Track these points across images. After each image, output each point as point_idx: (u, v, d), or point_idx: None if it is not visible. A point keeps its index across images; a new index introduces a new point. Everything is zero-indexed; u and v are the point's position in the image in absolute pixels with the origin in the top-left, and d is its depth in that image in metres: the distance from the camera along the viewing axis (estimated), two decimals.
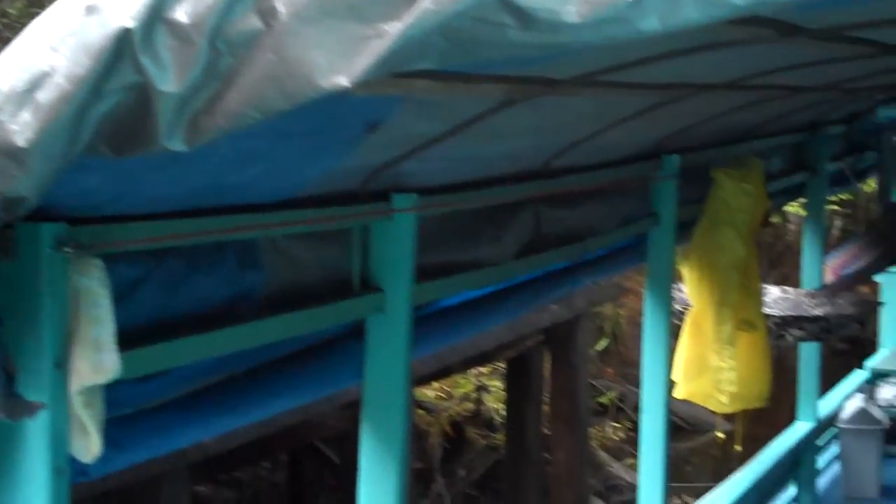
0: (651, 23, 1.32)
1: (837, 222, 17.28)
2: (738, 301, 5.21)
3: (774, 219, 16.05)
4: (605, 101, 3.45)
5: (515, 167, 3.77)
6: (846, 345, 16.18)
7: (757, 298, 5.40)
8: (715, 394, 5.30)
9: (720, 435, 14.69)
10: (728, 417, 12.20)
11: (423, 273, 3.32)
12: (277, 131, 2.15)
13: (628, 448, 13.06)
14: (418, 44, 1.47)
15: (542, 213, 4.08)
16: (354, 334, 3.25)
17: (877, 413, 8.07)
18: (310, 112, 1.62)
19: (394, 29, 1.49)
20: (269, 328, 2.78)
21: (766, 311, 6.18)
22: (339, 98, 1.56)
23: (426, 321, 3.63)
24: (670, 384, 5.27)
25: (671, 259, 5.08)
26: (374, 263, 3.15)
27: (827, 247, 16.16)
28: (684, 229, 5.27)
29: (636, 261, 5.15)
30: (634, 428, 5.89)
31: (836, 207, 16.94)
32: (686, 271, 5.36)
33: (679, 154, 4.99)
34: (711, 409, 5.47)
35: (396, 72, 1.52)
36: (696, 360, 5.28)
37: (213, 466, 9.22)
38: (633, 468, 5.31)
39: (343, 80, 1.52)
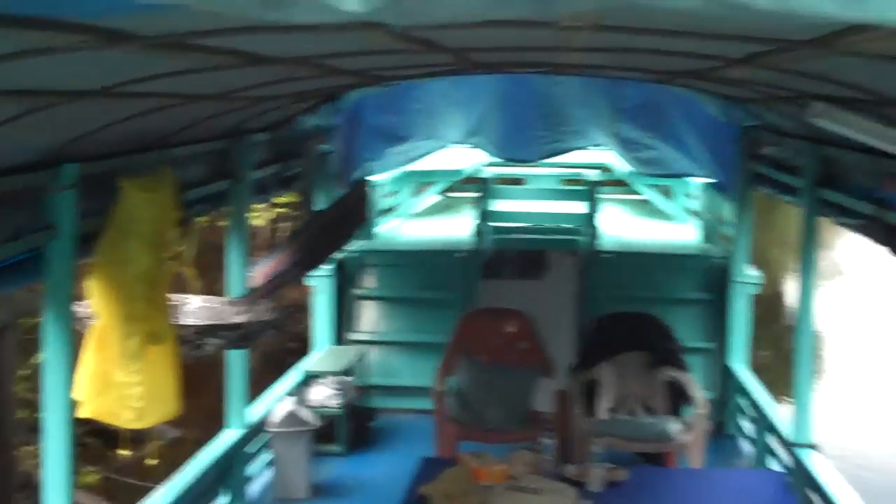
0: None
1: (282, 225, 17.72)
2: (144, 314, 5.01)
3: (217, 223, 16.10)
4: None
5: None
6: (297, 344, 16.63)
7: (165, 310, 5.24)
8: (121, 410, 5.06)
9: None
10: (177, 424, 12.05)
11: None
12: None
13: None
14: None
15: None
16: None
17: (305, 415, 8.28)
18: None
19: None
20: None
21: (186, 321, 6.05)
22: None
23: None
24: (74, 403, 4.99)
25: (70, 273, 4.79)
26: None
27: (271, 251, 16.47)
28: (88, 242, 5.00)
29: (33, 277, 4.78)
30: (79, 443, 5.54)
31: (281, 210, 17.33)
32: (92, 285, 5.08)
33: (82, 163, 4.72)
34: (119, 425, 5.23)
35: None
36: (100, 376, 5.01)
37: None
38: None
39: None
